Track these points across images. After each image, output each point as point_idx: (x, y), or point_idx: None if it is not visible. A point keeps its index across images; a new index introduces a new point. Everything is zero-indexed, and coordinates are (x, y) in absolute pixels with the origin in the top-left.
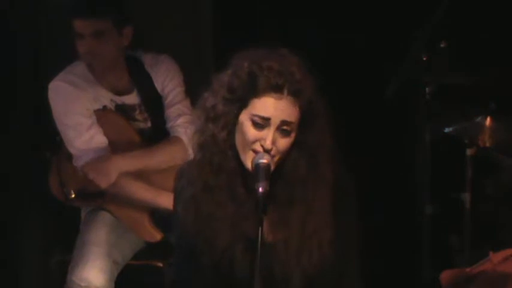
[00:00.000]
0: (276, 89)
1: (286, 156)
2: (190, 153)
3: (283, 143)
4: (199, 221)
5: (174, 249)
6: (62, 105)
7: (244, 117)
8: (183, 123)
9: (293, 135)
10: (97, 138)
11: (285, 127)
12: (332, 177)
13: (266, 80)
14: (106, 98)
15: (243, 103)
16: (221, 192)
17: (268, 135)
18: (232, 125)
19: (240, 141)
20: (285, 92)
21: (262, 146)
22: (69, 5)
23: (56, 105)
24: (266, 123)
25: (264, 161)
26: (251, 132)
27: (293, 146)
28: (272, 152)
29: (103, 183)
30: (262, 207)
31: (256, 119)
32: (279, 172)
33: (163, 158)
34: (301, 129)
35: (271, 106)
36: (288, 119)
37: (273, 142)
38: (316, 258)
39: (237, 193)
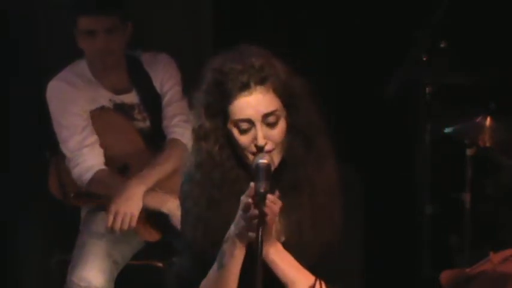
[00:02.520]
0: (243, 87)
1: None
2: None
3: (276, 133)
4: (210, 236)
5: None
6: (59, 105)
7: (231, 126)
8: (178, 122)
9: (282, 122)
10: (90, 140)
11: (269, 118)
12: (331, 149)
13: (232, 83)
14: (105, 98)
15: (223, 114)
16: (227, 203)
17: (257, 133)
18: (223, 137)
19: (238, 149)
20: (252, 85)
21: (255, 145)
22: (77, 2)
23: (53, 105)
24: (250, 124)
25: (264, 161)
26: (241, 138)
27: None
28: (268, 147)
29: (135, 212)
30: (262, 209)
31: (239, 124)
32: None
33: (172, 166)
34: (288, 113)
35: (246, 106)
36: (268, 109)
37: (265, 137)
38: (328, 231)
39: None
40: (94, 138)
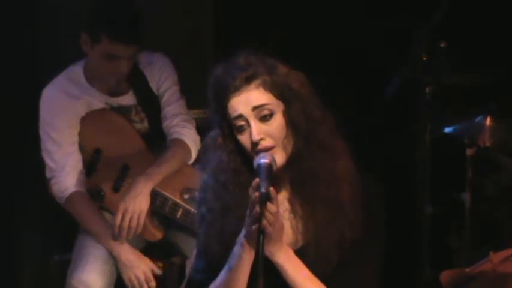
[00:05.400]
0: (235, 91)
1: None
2: (193, 153)
3: (273, 128)
4: (223, 242)
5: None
6: (51, 115)
7: (234, 130)
8: (179, 122)
9: (279, 117)
10: (75, 158)
11: (262, 113)
12: (339, 145)
13: (225, 87)
14: (101, 102)
15: (227, 122)
16: (240, 209)
17: (251, 129)
18: (232, 143)
19: (247, 153)
20: (241, 85)
21: (251, 142)
22: (109, 25)
23: (46, 114)
24: (245, 122)
25: (266, 160)
26: (242, 139)
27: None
28: (266, 143)
29: (144, 209)
30: (262, 211)
31: (234, 123)
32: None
33: (176, 165)
34: (286, 108)
35: (237, 104)
36: (258, 102)
37: (260, 133)
38: (345, 229)
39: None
40: (79, 156)
